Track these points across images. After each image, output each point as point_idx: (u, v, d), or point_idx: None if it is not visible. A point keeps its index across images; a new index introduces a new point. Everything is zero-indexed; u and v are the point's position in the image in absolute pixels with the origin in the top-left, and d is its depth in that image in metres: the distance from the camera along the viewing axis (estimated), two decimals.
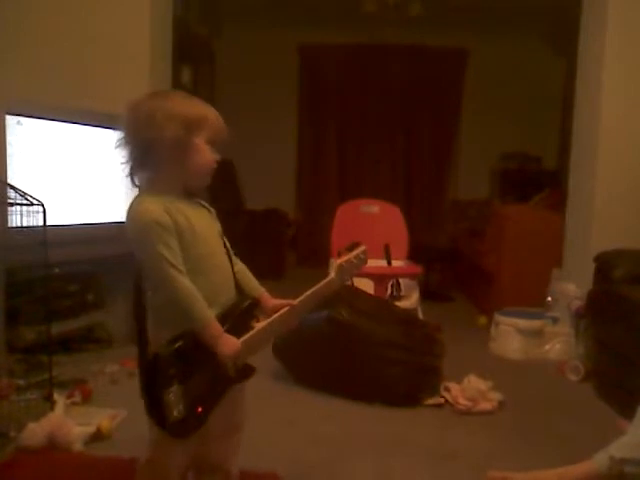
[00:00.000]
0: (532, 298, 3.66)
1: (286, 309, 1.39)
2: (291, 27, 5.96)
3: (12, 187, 2.28)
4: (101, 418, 2.15)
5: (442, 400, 2.56)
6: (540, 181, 5.46)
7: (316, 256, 5.37)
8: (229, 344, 1.29)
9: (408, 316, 2.92)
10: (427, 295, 4.09)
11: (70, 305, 2.98)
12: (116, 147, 1.33)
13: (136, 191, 1.35)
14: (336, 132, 6.54)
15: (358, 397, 2.56)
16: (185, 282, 1.26)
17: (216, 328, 1.29)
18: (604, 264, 2.89)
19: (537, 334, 3.36)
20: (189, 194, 1.38)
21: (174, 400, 1.25)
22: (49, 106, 2.71)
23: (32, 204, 2.24)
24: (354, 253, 1.47)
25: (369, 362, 2.58)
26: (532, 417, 2.50)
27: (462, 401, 2.50)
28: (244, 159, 5.52)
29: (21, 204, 2.25)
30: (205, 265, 1.33)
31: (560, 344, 3.34)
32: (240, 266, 1.47)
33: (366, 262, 1.49)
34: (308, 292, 1.41)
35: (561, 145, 5.65)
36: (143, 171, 1.34)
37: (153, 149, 1.29)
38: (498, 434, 2.30)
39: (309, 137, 6.58)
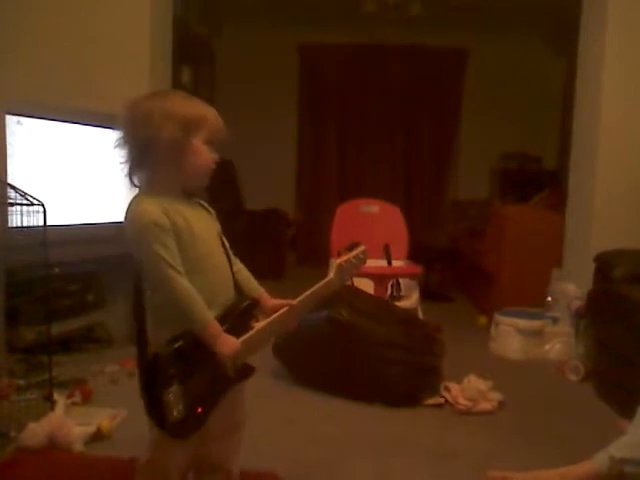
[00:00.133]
0: (532, 298, 3.66)
1: (285, 309, 1.39)
2: (291, 27, 5.97)
3: (12, 187, 2.27)
4: (101, 418, 2.15)
5: (442, 400, 2.56)
6: (540, 181, 5.46)
7: (316, 256, 5.37)
8: (228, 344, 1.29)
9: (408, 316, 2.92)
10: (427, 295, 4.09)
11: (70, 305, 2.98)
12: (115, 147, 1.33)
13: (135, 191, 1.35)
14: (336, 132, 6.54)
15: (358, 397, 2.55)
16: (184, 283, 1.26)
17: (215, 328, 1.29)
18: (604, 264, 2.89)
19: (537, 334, 3.36)
20: (188, 194, 1.38)
21: (174, 400, 1.25)
22: (49, 106, 2.71)
23: (32, 204, 2.24)
24: (353, 253, 1.47)
25: (369, 362, 2.58)
26: (532, 417, 2.50)
27: (462, 401, 2.50)
28: (244, 159, 5.52)
29: (21, 204, 2.25)
30: (204, 265, 1.33)
31: (560, 344, 3.34)
32: (239, 266, 1.47)
33: (365, 262, 1.49)
34: (307, 292, 1.41)
35: (561, 145, 5.65)
36: (141, 171, 1.33)
37: (151, 149, 1.29)
38: (498, 434, 2.30)
39: (309, 137, 6.58)
